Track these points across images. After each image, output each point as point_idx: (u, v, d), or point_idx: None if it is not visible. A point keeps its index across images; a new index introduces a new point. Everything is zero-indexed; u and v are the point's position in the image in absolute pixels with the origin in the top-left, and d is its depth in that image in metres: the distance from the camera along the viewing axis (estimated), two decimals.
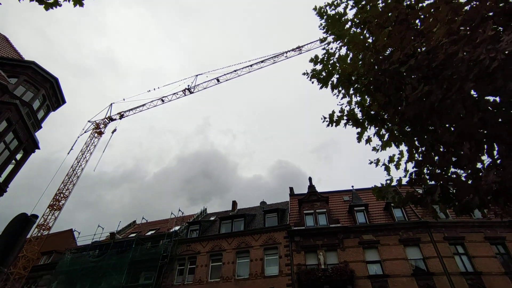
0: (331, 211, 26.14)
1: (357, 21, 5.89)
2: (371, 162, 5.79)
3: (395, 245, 21.40)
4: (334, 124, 6.07)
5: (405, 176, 5.44)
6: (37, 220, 4.79)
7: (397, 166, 5.71)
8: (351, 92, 6.06)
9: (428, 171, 5.21)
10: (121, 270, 24.99)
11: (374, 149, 5.84)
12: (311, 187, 27.55)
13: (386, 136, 5.74)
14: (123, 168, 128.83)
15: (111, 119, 42.37)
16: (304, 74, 6.44)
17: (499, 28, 3.99)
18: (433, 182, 5.15)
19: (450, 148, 4.93)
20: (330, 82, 6.23)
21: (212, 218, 32.25)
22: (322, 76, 6.27)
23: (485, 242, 20.47)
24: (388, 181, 5.60)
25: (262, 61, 37.50)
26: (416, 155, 5.41)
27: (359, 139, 5.96)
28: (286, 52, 36.76)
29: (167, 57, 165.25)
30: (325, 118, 6.15)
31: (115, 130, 42.58)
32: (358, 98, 6.04)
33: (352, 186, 30.14)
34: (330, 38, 6.42)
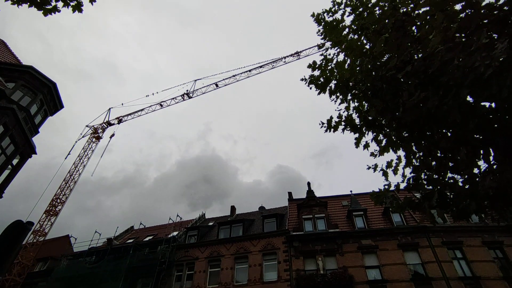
0: (330, 216, 26.11)
1: (355, 27, 5.98)
2: (369, 168, 5.84)
3: (394, 250, 21.39)
4: (332, 129, 6.14)
5: (403, 181, 5.50)
6: (33, 227, 4.77)
7: (395, 172, 5.75)
8: (349, 97, 6.12)
9: (425, 176, 5.26)
10: (118, 277, 24.77)
11: (372, 154, 5.89)
12: (310, 192, 27.56)
13: (384, 142, 5.79)
14: (124, 173, 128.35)
15: (109, 123, 42.31)
16: (302, 79, 6.49)
17: (494, 35, 4.06)
18: (430, 187, 5.20)
19: (447, 153, 4.99)
20: (328, 88, 6.29)
21: (210, 224, 32.12)
22: (320, 82, 6.34)
23: (483, 247, 20.50)
24: (386, 186, 5.64)
25: (260, 66, 37.70)
26: (414, 161, 5.45)
27: (357, 144, 6.00)
28: (285, 58, 37.05)
29: (167, 62, 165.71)
30: (323, 123, 6.23)
31: (113, 135, 42.54)
32: (356, 104, 6.09)
33: (351, 191, 30.10)
34: (328, 44, 6.53)
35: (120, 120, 42.22)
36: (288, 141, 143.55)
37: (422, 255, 20.70)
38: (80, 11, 5.20)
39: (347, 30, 6.10)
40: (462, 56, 3.97)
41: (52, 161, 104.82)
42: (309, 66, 6.47)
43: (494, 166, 4.54)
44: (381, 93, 5.39)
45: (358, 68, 5.81)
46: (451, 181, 5.02)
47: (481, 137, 4.56)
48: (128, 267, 25.33)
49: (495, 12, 4.00)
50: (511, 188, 4.21)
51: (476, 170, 4.74)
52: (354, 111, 6.12)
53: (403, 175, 5.51)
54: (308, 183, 28.34)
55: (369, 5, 5.75)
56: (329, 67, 6.32)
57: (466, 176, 4.82)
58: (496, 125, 4.36)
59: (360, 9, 5.88)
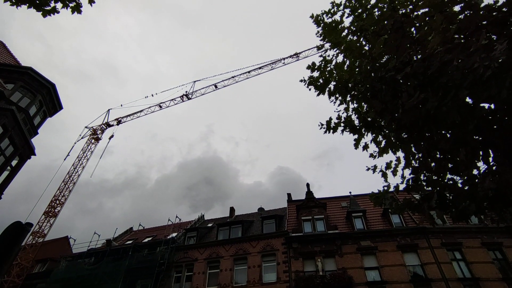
0: (329, 217, 26.07)
1: (354, 29, 5.99)
2: (368, 169, 5.85)
3: (393, 251, 21.34)
4: (331, 131, 6.16)
5: (402, 183, 5.51)
6: (32, 228, 4.71)
7: (394, 173, 5.77)
8: (348, 99, 6.14)
9: (425, 178, 5.26)
10: (117, 278, 24.69)
11: (371, 155, 5.92)
12: (309, 193, 27.52)
13: (383, 143, 5.82)
14: (125, 175, 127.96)
15: (108, 125, 42.20)
16: (301, 81, 6.52)
17: (493, 36, 4.06)
18: (430, 189, 5.19)
19: (447, 154, 4.99)
20: (327, 89, 6.32)
21: (209, 225, 32.05)
22: (319, 83, 6.36)
23: (482, 248, 20.46)
24: (386, 188, 5.66)
25: (259, 68, 37.74)
26: (413, 162, 5.46)
27: (356, 145, 6.02)
28: (284, 59, 37.08)
29: (167, 63, 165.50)
30: (322, 125, 6.25)
31: (112, 136, 42.43)
32: (355, 105, 6.12)
33: (350, 192, 30.08)
34: (327, 46, 6.56)
35: (119, 121, 42.18)
36: (289, 143, 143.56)
37: (421, 257, 20.65)
38: (79, 12, 5.18)
39: (346, 31, 6.12)
40: (461, 57, 3.98)
41: (54, 163, 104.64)
42: (308, 67, 6.49)
43: (494, 167, 4.53)
44: (381, 94, 5.39)
45: (357, 69, 5.84)
46: (451, 182, 5.01)
47: (480, 138, 4.55)
48: (127, 268, 25.25)
49: (494, 14, 4.01)
50: (510, 190, 4.21)
51: (475, 171, 4.73)
52: (353, 112, 6.16)
53: (403, 176, 5.52)
54: (307, 184, 28.30)
55: (368, 7, 5.78)
56: (328, 68, 6.36)
57: (466, 177, 4.82)
58: (495, 126, 4.36)
59: (359, 11, 5.89)
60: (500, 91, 3.79)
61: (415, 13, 5.00)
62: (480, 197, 4.52)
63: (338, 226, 24.30)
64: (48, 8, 5.00)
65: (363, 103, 5.98)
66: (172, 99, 40.11)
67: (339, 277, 20.15)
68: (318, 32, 6.41)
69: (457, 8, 4.28)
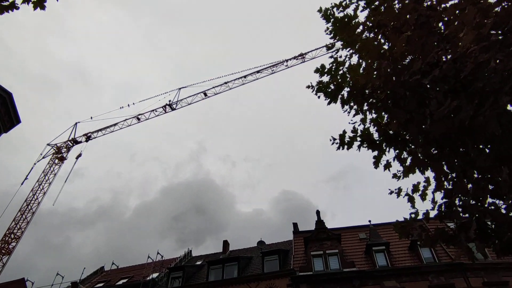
0: (345, 251, 25.80)
1: (370, 24, 5.99)
2: (391, 192, 5.82)
3: None
4: (345, 146, 6.13)
5: (433, 209, 5.44)
6: None
7: (423, 197, 5.72)
8: (365, 108, 6.10)
9: (460, 202, 5.20)
10: None
11: (394, 176, 5.88)
12: (320, 222, 27.25)
13: (409, 161, 5.74)
14: (98, 203, 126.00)
15: (75, 141, 42.30)
16: (308, 87, 6.49)
17: None
18: (467, 216, 5.11)
19: (486, 174, 4.93)
20: (339, 96, 6.29)
21: (198, 263, 31.66)
22: (330, 90, 6.33)
23: None
24: (413, 215, 5.60)
25: (258, 71, 38.19)
26: (446, 183, 5.40)
27: (376, 164, 5.99)
28: (287, 61, 37.63)
29: (149, 67, 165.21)
30: (334, 139, 6.23)
31: (80, 155, 42.46)
32: (374, 115, 6.08)
33: (370, 221, 29.59)
34: (338, 45, 6.55)
35: (88, 137, 42.28)
36: (295, 162, 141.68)
37: None
38: (42, 7, 5.22)
39: (361, 27, 6.09)
40: (500, 57, 3.98)
41: (11, 189, 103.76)
42: (317, 70, 6.46)
43: None
44: (404, 102, 5.36)
45: (375, 73, 5.80)
46: (492, 207, 4.96)
47: None
48: None
49: None
50: None
51: None
52: (372, 123, 6.10)
53: (433, 201, 5.43)
54: (317, 212, 28.07)
55: None
56: (341, 72, 6.33)
57: (510, 201, 4.78)
58: None
59: (376, 3, 5.91)
60: None
61: (443, 5, 5.03)
62: None
63: (355, 263, 24.00)
64: (6, 3, 5.03)
65: (383, 113, 5.93)
66: (153, 110, 40.42)
67: None
68: (327, 28, 6.38)
69: None
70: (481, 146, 4.89)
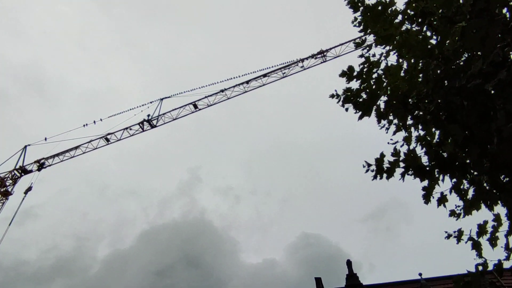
0: None
1: (412, 13, 5.84)
2: (449, 236, 5.84)
3: None
4: (384, 175, 6.02)
5: (507, 258, 5.29)
6: None
7: (493, 242, 5.57)
8: (409, 122, 6.10)
9: None
10: None
11: (452, 213, 5.83)
12: (352, 277, 26.38)
13: (471, 192, 5.62)
14: (56, 253, 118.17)
15: (24, 170, 39.34)
16: (332, 96, 6.43)
17: None
18: None
19: None
20: (374, 108, 6.29)
21: None
22: (361, 99, 6.33)
23: None
24: (480, 267, 5.47)
25: (265, 75, 36.12)
26: None
27: (426, 197, 5.84)
28: (303, 60, 35.76)
29: (124, 72, 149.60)
30: (369, 165, 6.04)
31: (30, 188, 39.23)
32: (421, 132, 6.05)
33: (420, 274, 28.93)
34: (370, 39, 6.57)
35: (41, 165, 39.45)
36: (319, 195, 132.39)
37: None
38: None
39: (400, 17, 5.99)
40: None
41: None
42: (343, 74, 6.42)
43: None
44: (461, 114, 5.18)
45: (420, 76, 5.82)
46: None
47: None
48: None
49: None
50: None
51: None
52: (418, 143, 6.03)
53: (507, 248, 5.26)
54: (348, 262, 26.96)
55: None
56: (375, 75, 6.30)
57: None
58: None
59: None
60: None
61: None
62: None
63: None
64: None
65: (433, 129, 5.81)
66: (126, 128, 37.92)
67: None
68: (355, 19, 6.36)
69: None
70: None
